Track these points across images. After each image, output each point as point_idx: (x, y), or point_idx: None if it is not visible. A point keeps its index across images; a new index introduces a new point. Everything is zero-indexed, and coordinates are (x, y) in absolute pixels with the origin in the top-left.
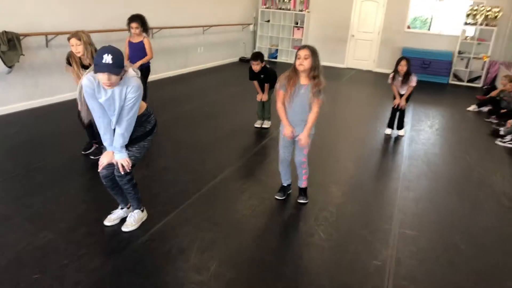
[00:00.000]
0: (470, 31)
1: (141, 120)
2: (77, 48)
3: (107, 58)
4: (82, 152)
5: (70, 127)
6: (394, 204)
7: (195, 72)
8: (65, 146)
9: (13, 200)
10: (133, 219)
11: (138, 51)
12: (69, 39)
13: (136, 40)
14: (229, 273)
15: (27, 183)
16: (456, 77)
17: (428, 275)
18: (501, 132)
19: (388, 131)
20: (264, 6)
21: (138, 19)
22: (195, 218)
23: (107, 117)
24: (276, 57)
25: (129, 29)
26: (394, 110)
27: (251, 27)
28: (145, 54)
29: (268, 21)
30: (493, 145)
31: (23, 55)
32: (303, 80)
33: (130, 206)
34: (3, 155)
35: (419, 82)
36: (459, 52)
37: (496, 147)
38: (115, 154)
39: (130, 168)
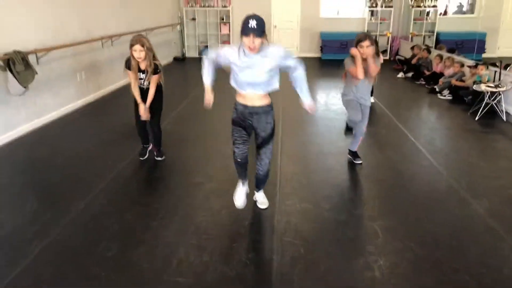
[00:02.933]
0: (374, 13)
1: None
2: (140, 54)
3: (252, 23)
4: (140, 158)
5: (94, 139)
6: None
7: None
8: (113, 155)
9: (137, 201)
10: (263, 196)
11: None
12: (132, 45)
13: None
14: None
15: (133, 184)
16: None
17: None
18: (437, 89)
19: None
20: (188, 5)
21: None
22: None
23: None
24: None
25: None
26: None
27: (178, 27)
28: None
29: (194, 19)
30: (436, 99)
31: (37, 73)
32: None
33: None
34: (67, 173)
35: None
36: (368, 32)
37: (438, 100)
38: (308, 100)
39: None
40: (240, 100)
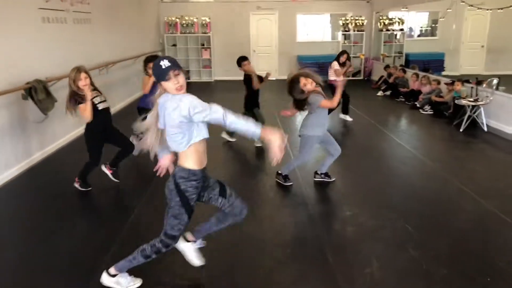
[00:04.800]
0: (347, 37)
1: None
2: (86, 81)
3: (165, 63)
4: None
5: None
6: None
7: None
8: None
9: None
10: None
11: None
12: (78, 74)
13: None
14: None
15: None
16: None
17: None
18: (418, 105)
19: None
20: (168, 32)
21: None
22: None
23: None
24: (188, 78)
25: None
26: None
27: (160, 53)
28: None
29: (174, 45)
30: (418, 114)
31: (57, 101)
32: None
33: None
34: (102, 200)
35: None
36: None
37: (420, 114)
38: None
39: None
40: (199, 165)
